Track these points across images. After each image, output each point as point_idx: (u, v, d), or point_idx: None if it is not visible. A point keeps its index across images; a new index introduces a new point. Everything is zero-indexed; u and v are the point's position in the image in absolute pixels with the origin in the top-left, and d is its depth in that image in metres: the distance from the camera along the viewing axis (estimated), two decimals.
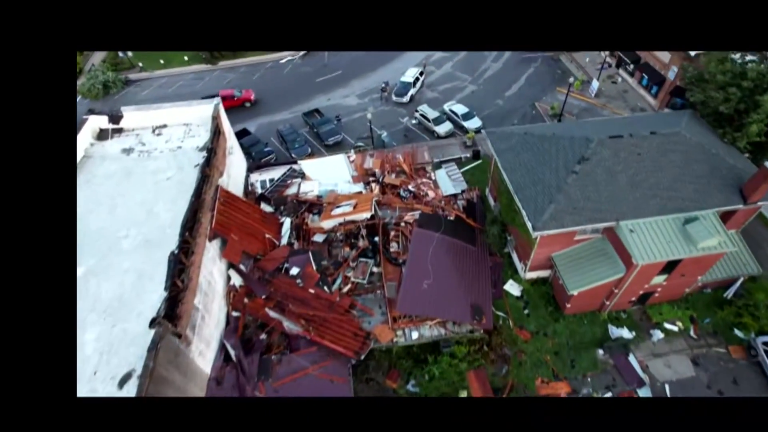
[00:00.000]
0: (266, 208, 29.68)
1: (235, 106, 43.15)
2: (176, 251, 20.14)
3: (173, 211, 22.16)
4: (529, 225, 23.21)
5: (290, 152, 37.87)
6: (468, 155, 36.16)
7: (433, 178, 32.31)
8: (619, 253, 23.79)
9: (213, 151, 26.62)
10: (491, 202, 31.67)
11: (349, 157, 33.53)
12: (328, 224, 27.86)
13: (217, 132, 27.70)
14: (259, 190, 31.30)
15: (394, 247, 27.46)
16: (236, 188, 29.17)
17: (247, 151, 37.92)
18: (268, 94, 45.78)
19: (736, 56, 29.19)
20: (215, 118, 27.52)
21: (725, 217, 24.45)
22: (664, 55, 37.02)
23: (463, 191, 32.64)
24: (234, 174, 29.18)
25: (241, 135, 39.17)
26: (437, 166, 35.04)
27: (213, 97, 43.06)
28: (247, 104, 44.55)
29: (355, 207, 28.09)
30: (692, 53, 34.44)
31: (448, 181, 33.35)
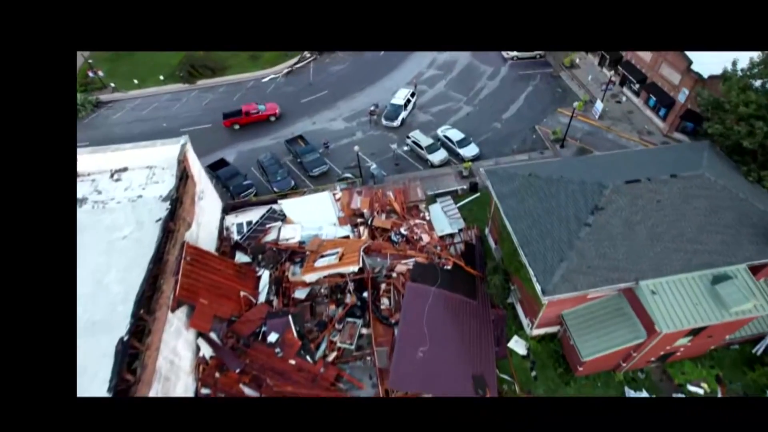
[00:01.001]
0: (243, 257, 26.65)
1: (260, 121, 41.13)
2: (126, 337, 17.07)
3: (127, 281, 19.06)
4: (537, 287, 20.37)
5: (272, 185, 34.83)
6: (465, 187, 33.30)
7: (428, 218, 29.41)
8: (638, 315, 21.04)
9: (178, 200, 23.62)
10: (492, 243, 28.84)
11: (334, 194, 30.54)
12: (311, 278, 24.87)
13: (184, 177, 24.69)
14: (236, 236, 28.24)
15: (385, 303, 24.57)
16: (208, 236, 26.14)
17: (224, 184, 34.90)
18: None
19: (757, 83, 26.59)
20: (182, 162, 24.46)
21: (756, 269, 21.77)
22: (674, 76, 34.38)
23: (460, 230, 29.85)
24: (206, 220, 26.12)
25: (218, 166, 36.12)
26: (431, 199, 32.21)
27: (235, 113, 40.96)
28: (272, 118, 41.77)
29: (341, 258, 25.11)
30: (705, 75, 31.81)
31: (443, 218, 30.51)
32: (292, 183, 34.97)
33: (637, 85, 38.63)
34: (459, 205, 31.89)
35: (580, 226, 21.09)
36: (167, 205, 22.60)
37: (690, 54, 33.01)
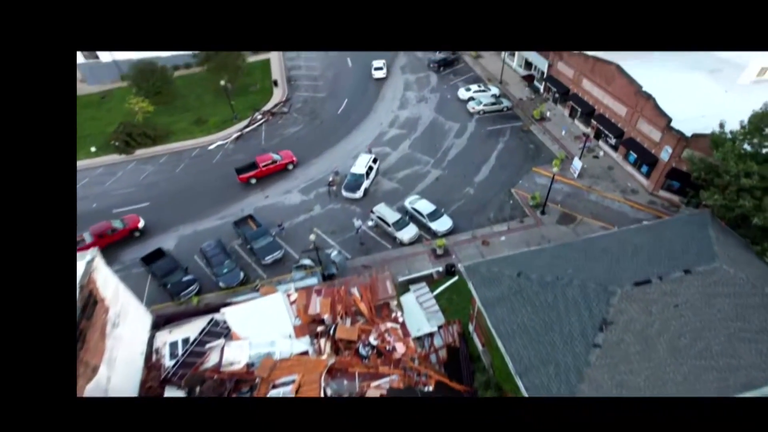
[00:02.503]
0: (175, 392, 21.22)
1: (278, 171, 38.38)
2: None
3: None
4: None
5: (217, 279, 29.73)
6: (440, 269, 29.15)
7: (401, 319, 24.88)
8: None
9: (81, 335, 18.32)
10: (478, 344, 24.49)
11: (288, 296, 25.70)
12: None
13: (90, 304, 19.42)
14: (168, 360, 22.84)
15: None
16: (127, 375, 20.68)
17: (161, 282, 29.57)
18: (193, 193, 37.68)
19: (748, 148, 24.08)
20: (85, 287, 19.24)
21: None
22: (654, 133, 31.96)
23: (440, 327, 25.48)
24: (124, 355, 20.73)
25: (153, 258, 30.82)
26: (403, 288, 27.86)
27: (250, 167, 37.05)
28: (290, 167, 38.84)
29: (298, 389, 20.15)
30: (688, 134, 29.42)
31: (419, 313, 26.15)
32: (241, 276, 29.96)
33: (614, 140, 36.19)
34: (436, 293, 27.68)
35: (588, 348, 17.04)
36: None
37: (669, 111, 30.79)
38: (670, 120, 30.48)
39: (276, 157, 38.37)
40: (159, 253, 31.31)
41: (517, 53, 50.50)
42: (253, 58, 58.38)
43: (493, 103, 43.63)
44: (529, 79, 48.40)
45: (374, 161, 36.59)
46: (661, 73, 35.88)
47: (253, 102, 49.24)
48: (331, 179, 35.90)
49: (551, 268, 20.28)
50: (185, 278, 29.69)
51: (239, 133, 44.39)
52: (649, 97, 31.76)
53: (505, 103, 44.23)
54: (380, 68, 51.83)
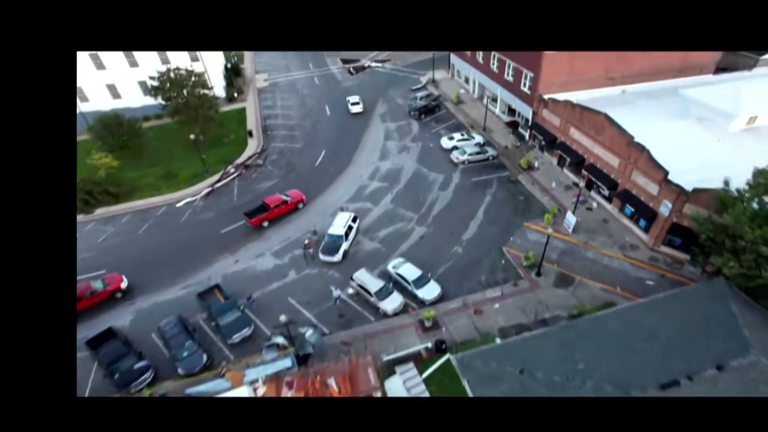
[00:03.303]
0: None
1: (290, 211, 37.36)
2: None
3: None
4: None
5: (177, 364, 25.95)
6: (429, 345, 25.92)
7: None
8: None
9: None
10: None
11: (254, 388, 22.12)
12: None
13: None
14: None
15: None
16: None
17: (108, 370, 25.66)
18: (155, 258, 34.20)
19: (756, 206, 22.08)
20: None
21: None
22: (650, 186, 30.03)
23: None
24: None
25: (101, 340, 27.03)
26: (388, 369, 24.51)
27: (260, 210, 35.97)
28: (300, 206, 38.04)
29: None
30: (688, 188, 27.49)
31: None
32: (204, 359, 26.24)
33: (607, 191, 34.25)
34: (425, 375, 24.36)
35: None
36: None
37: (663, 161, 29.04)
38: (667, 173, 28.63)
39: (286, 197, 37.16)
40: (108, 334, 27.53)
41: (499, 99, 49.42)
42: (227, 107, 56.40)
43: (477, 153, 41.80)
44: (513, 126, 47.04)
45: (354, 220, 33.84)
46: (650, 121, 34.55)
47: (227, 154, 46.66)
48: (306, 241, 32.88)
49: (559, 362, 17.34)
50: (138, 365, 25.83)
51: (210, 189, 41.46)
52: (643, 149, 30.03)
53: (490, 151, 42.45)
54: (357, 103, 53.02)
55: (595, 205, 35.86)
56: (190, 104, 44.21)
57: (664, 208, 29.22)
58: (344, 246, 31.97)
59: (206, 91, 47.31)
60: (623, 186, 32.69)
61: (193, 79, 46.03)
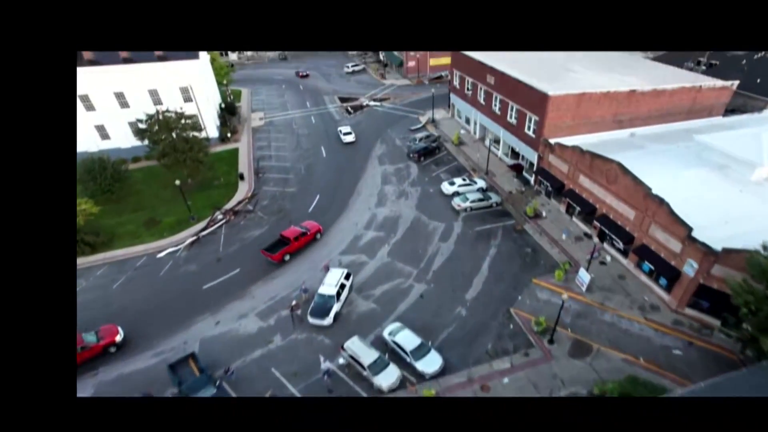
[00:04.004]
0: None
1: (308, 242, 36.47)
2: None
3: None
4: None
5: None
6: None
7: None
8: None
9: None
10: None
11: None
12: None
13: None
14: None
15: None
16: None
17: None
18: (127, 318, 31.01)
19: None
20: None
21: None
22: (673, 243, 27.33)
23: None
24: None
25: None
26: None
27: (280, 244, 34.83)
28: (318, 236, 37.38)
29: None
30: (717, 248, 24.77)
31: None
32: None
33: (622, 244, 31.51)
34: None
35: None
36: None
37: (682, 213, 26.49)
38: (690, 230, 26.00)
39: (304, 229, 36.38)
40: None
41: (501, 141, 47.46)
42: (220, 147, 54.56)
43: (480, 199, 39.34)
44: (517, 169, 44.83)
45: (347, 277, 30.94)
46: (665, 168, 32.22)
47: (216, 198, 44.27)
48: (294, 302, 29.85)
49: None
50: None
51: (195, 238, 38.75)
52: (662, 202, 27.51)
53: (494, 198, 40.01)
54: (349, 133, 54.84)
55: (608, 258, 33.04)
56: (177, 148, 42.13)
57: (689, 269, 26.40)
58: (336, 307, 28.93)
59: (196, 134, 45.35)
60: (640, 240, 29.97)
61: (183, 121, 44.20)
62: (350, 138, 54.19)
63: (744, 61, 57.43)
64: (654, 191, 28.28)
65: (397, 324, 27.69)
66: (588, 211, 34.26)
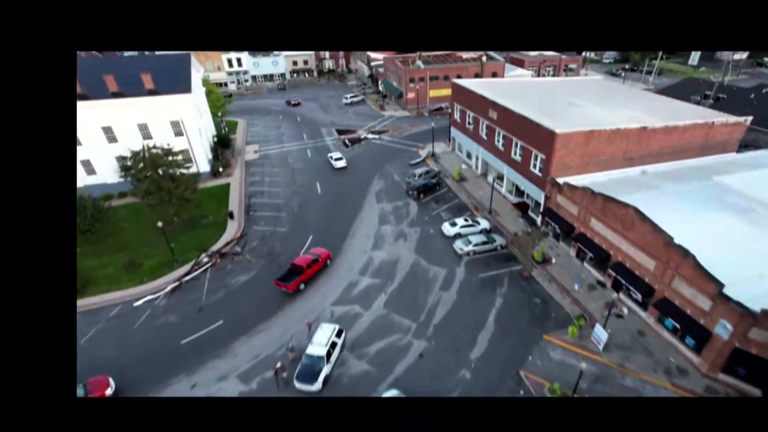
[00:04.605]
0: None
1: (321, 269, 36.12)
2: None
3: None
4: None
5: None
6: None
7: None
8: None
9: None
10: None
11: None
12: None
13: None
14: None
15: None
16: None
17: None
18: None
19: None
20: None
21: None
22: (701, 300, 24.54)
23: None
24: None
25: None
26: None
27: (293, 274, 34.23)
28: (329, 262, 37.15)
29: None
30: (756, 309, 21.99)
31: None
32: None
33: (640, 296, 28.70)
34: None
35: None
36: None
37: (708, 262, 23.83)
38: (722, 286, 23.27)
39: (314, 257, 35.80)
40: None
41: (505, 178, 45.22)
42: (211, 182, 52.37)
43: (484, 242, 36.73)
44: (522, 208, 42.40)
45: (338, 334, 27.99)
46: (684, 212, 29.72)
47: (203, 239, 41.67)
48: (279, 364, 26.73)
49: None
50: None
51: (177, 283, 35.94)
52: (686, 254, 24.87)
53: (499, 240, 37.42)
54: (340, 158, 55.36)
55: (626, 311, 30.14)
56: (162, 186, 39.83)
57: (722, 330, 23.52)
58: (325, 370, 25.88)
59: (183, 171, 43.16)
60: (662, 293, 27.18)
61: (170, 158, 42.08)
62: (342, 164, 54.71)
63: (753, 95, 55.87)
64: (676, 240, 25.70)
65: (394, 391, 24.57)
66: (601, 258, 31.58)
